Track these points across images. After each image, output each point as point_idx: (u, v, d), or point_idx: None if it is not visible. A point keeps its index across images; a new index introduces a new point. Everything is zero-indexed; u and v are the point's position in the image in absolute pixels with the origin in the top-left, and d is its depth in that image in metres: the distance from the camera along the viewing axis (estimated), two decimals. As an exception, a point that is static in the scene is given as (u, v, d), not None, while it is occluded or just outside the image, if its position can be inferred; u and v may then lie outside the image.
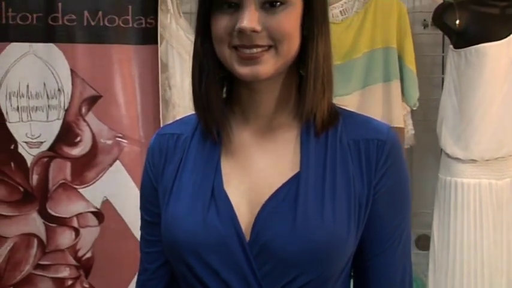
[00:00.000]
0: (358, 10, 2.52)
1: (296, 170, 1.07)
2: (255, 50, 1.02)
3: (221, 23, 1.03)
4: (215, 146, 1.12)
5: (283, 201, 1.05)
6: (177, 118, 2.34)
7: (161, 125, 2.33)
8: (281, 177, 1.07)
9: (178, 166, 1.14)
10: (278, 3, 1.02)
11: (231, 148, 1.12)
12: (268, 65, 1.03)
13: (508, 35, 2.35)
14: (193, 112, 1.15)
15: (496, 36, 2.34)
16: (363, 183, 1.07)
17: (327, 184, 1.06)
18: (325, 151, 1.08)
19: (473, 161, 2.39)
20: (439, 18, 2.43)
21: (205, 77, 1.09)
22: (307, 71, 1.07)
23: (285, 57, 1.04)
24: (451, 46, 2.45)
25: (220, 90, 1.11)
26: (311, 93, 1.07)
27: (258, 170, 1.09)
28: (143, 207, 1.23)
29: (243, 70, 1.03)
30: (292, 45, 1.04)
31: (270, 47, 1.03)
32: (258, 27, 1.00)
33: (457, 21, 2.38)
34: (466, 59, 2.36)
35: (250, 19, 1.00)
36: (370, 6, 2.50)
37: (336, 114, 1.12)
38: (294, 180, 1.06)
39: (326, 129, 1.10)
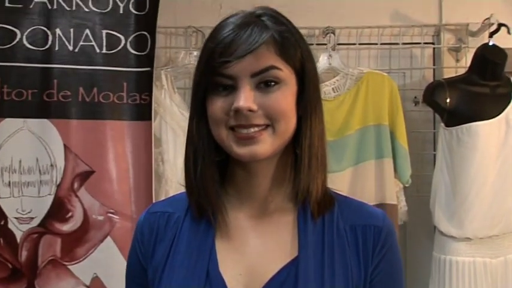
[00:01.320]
0: (350, 87, 2.55)
1: (294, 254, 1.06)
2: (252, 130, 1.02)
3: (217, 104, 1.04)
4: (209, 228, 1.10)
5: (282, 286, 1.04)
6: (170, 193, 2.38)
7: (153, 200, 2.32)
8: (279, 261, 1.06)
9: (171, 246, 1.12)
10: (273, 82, 1.03)
11: (226, 230, 1.11)
12: (266, 145, 1.03)
13: (499, 113, 2.38)
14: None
15: (487, 115, 2.37)
16: (360, 269, 1.07)
17: (325, 269, 1.05)
18: (323, 236, 1.08)
19: (468, 239, 2.37)
20: (430, 96, 2.46)
21: (201, 161, 1.08)
22: (301, 150, 1.07)
23: (282, 136, 1.05)
24: (442, 124, 2.47)
25: (216, 174, 1.10)
26: (306, 171, 1.07)
27: (254, 253, 1.08)
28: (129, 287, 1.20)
29: (241, 150, 1.03)
30: (288, 123, 1.05)
31: (267, 126, 1.03)
32: (254, 107, 1.01)
33: (448, 100, 2.41)
34: (458, 137, 2.38)
35: (246, 99, 1.01)
36: (361, 84, 2.54)
37: (331, 199, 1.12)
38: (293, 265, 1.05)
39: (322, 213, 1.10)
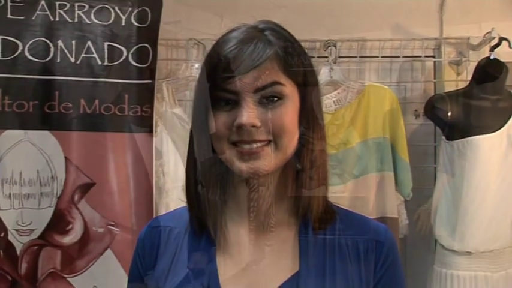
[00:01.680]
0: (351, 100, 2.55)
1: (295, 269, 1.06)
2: (254, 145, 1.02)
3: (219, 120, 1.03)
4: (210, 243, 1.10)
5: None
6: (170, 205, 2.37)
7: (154, 213, 2.32)
8: (280, 276, 1.05)
9: (172, 261, 1.11)
10: (276, 98, 1.02)
11: (226, 245, 1.10)
12: (268, 161, 1.02)
13: (500, 127, 2.38)
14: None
15: (489, 128, 2.37)
16: (362, 283, 1.06)
17: (327, 284, 1.04)
18: (324, 250, 1.07)
19: (469, 253, 2.37)
20: (431, 109, 2.46)
21: (202, 175, 1.08)
22: (303, 164, 1.07)
23: (285, 151, 1.04)
24: (444, 137, 2.47)
25: (217, 188, 1.09)
26: (307, 185, 1.07)
27: (255, 268, 1.08)
28: None
29: (243, 166, 1.03)
30: (291, 139, 1.04)
31: (269, 141, 1.02)
32: (258, 123, 1.01)
33: (449, 113, 2.41)
34: (459, 150, 2.38)
35: (249, 115, 1.00)
36: (362, 97, 2.54)
37: (333, 213, 1.11)
38: (294, 280, 1.04)
39: (324, 227, 1.09)
